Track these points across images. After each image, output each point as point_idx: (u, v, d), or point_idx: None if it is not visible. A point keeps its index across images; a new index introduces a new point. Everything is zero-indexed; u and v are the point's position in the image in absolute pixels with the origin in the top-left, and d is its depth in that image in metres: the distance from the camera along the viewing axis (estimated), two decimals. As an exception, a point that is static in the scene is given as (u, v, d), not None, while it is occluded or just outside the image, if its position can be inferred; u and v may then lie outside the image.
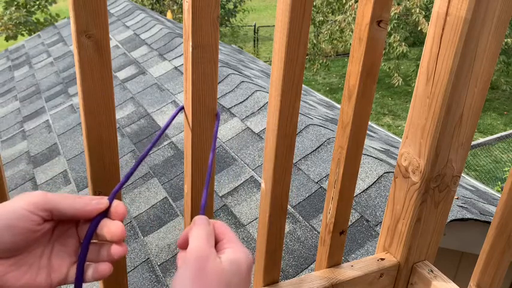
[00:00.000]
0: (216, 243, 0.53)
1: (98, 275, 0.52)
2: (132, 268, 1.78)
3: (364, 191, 1.80)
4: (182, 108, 0.72)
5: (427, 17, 9.04)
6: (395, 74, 10.05)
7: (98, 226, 0.52)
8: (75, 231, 0.54)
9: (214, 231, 0.53)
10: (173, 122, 2.60)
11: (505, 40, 9.16)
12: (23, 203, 0.48)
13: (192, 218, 0.77)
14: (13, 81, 4.06)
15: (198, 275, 0.46)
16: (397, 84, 10.01)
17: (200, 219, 0.53)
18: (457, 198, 1.90)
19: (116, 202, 0.53)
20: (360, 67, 0.79)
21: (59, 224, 0.53)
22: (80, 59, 0.61)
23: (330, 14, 11.07)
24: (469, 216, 1.71)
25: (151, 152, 2.42)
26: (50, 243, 0.52)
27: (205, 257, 0.48)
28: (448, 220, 1.64)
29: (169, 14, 9.40)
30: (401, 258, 0.98)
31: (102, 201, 0.52)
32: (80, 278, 0.51)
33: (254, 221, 1.83)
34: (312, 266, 1.60)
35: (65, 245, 0.53)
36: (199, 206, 0.78)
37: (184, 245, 0.52)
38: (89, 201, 0.51)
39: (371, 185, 1.81)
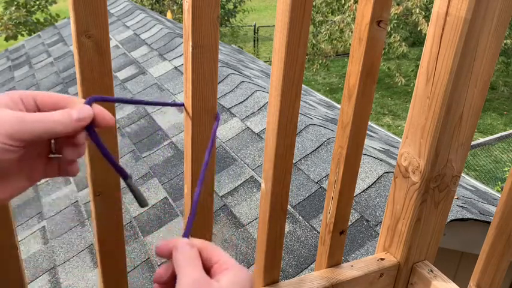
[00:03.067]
0: (210, 267, 0.48)
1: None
2: (132, 268, 1.78)
3: (364, 191, 1.80)
4: (182, 105, 0.72)
5: (427, 17, 9.04)
6: (397, 74, 10.06)
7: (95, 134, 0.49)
8: None
9: (203, 254, 0.48)
10: (173, 122, 2.60)
11: (505, 41, 9.16)
12: None
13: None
14: (13, 81, 4.06)
15: None
16: (400, 83, 10.01)
17: (182, 244, 0.48)
18: (457, 198, 1.90)
19: (98, 109, 0.49)
20: (360, 67, 0.79)
21: None
22: (80, 59, 0.61)
23: (330, 14, 11.07)
24: (469, 216, 1.71)
25: (151, 152, 2.42)
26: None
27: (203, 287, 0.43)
28: (448, 220, 1.64)
29: (169, 14, 9.40)
30: (401, 258, 0.98)
31: (84, 116, 0.47)
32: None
33: (254, 221, 1.83)
34: (312, 266, 1.60)
35: (39, 144, 0.50)
36: (199, 207, 0.78)
37: (166, 267, 0.49)
38: (69, 122, 0.46)
39: (371, 185, 1.81)
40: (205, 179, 0.76)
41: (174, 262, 0.47)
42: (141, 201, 0.53)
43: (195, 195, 0.58)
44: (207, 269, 0.48)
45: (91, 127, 0.48)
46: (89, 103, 0.49)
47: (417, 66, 9.74)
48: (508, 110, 10.38)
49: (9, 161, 0.45)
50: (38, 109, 0.48)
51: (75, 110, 0.47)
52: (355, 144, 0.87)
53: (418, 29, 9.26)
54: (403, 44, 9.52)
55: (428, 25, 0.84)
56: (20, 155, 0.46)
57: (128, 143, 2.55)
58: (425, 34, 7.67)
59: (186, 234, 0.52)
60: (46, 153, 0.51)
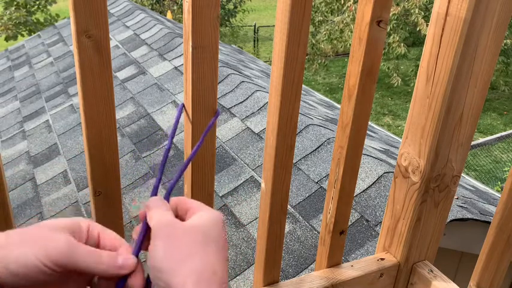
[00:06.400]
0: (182, 216, 0.51)
1: None
2: (132, 268, 1.78)
3: (364, 191, 1.80)
4: (183, 106, 0.72)
5: (427, 17, 9.03)
6: (395, 74, 10.05)
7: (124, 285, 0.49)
8: None
9: (177, 206, 0.52)
10: (173, 122, 2.60)
11: (505, 41, 9.15)
12: (41, 255, 0.43)
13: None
14: (13, 81, 4.06)
15: (169, 240, 0.45)
16: (396, 84, 10.01)
17: (153, 200, 0.51)
18: (457, 198, 1.90)
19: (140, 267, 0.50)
20: (360, 67, 0.79)
21: None
22: (80, 59, 0.61)
23: (330, 14, 11.06)
24: (469, 216, 1.71)
25: (151, 152, 2.42)
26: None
27: (171, 224, 0.47)
28: (448, 220, 1.64)
29: (169, 14, 9.40)
30: (401, 258, 0.98)
31: (127, 265, 0.48)
32: None
33: (254, 221, 1.83)
34: (312, 266, 1.60)
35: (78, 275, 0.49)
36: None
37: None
38: (112, 266, 0.47)
39: (371, 185, 1.81)
40: (205, 179, 0.76)
41: (148, 217, 0.49)
42: None
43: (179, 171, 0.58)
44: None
45: (124, 279, 0.48)
46: (136, 255, 0.50)
47: (417, 66, 9.73)
48: (508, 110, 10.38)
49: (41, 280, 0.44)
50: (98, 244, 0.49)
51: (121, 256, 0.48)
52: (355, 144, 0.87)
53: (417, 29, 9.26)
54: (402, 45, 9.52)
55: (427, 25, 0.84)
56: (53, 278, 0.45)
57: (127, 143, 2.55)
58: (424, 34, 7.66)
59: (154, 194, 0.54)
60: (84, 279, 0.50)
